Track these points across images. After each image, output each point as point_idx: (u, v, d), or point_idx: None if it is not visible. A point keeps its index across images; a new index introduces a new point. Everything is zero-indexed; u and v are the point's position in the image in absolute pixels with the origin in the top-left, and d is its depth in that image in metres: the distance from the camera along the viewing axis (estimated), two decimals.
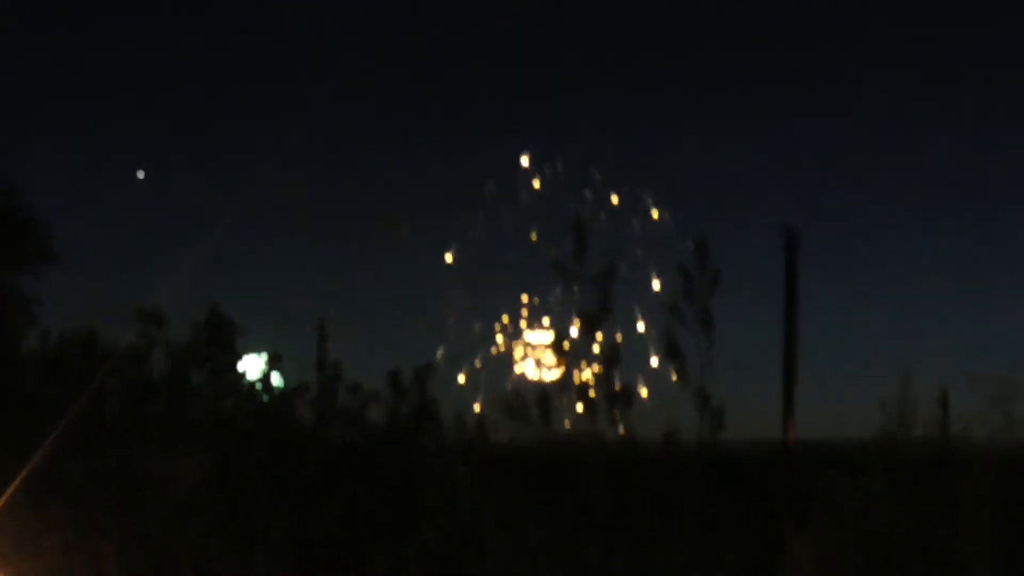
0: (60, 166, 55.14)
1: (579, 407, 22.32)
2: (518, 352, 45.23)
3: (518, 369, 46.08)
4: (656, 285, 21.94)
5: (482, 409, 25.95)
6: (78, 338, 26.55)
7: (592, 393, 22.08)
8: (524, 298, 51.77)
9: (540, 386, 22.58)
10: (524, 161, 54.31)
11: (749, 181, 57.34)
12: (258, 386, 29.04)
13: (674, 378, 21.74)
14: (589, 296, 22.54)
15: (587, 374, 22.44)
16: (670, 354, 21.67)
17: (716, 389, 21.93)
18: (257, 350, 28.92)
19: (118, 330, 27.11)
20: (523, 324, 51.67)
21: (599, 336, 22.34)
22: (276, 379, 29.01)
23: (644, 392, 22.09)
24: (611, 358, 22.04)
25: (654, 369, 22.08)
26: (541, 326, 48.73)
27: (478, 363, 52.01)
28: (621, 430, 22.03)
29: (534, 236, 54.79)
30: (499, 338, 53.57)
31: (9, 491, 21.78)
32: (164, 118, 57.11)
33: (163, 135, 58.02)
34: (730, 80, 58.36)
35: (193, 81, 57.81)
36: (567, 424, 22.57)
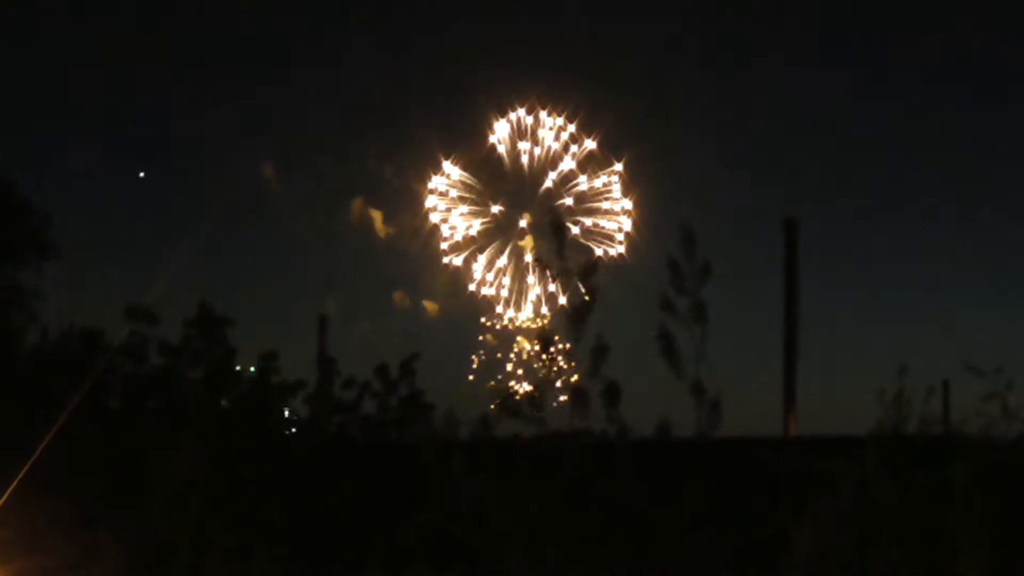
0: (59, 163, 56.87)
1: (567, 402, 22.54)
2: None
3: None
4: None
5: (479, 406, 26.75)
6: (77, 334, 27.43)
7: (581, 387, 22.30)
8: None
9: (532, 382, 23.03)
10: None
11: (749, 173, 58.69)
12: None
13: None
14: (574, 289, 22.75)
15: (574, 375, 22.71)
16: (664, 348, 21.78)
17: (712, 382, 21.93)
18: (248, 344, 29.93)
19: (114, 326, 28.13)
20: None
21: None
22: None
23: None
24: (599, 351, 22.32)
25: (647, 362, 22.45)
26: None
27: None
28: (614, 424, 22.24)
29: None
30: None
31: (10, 488, 22.89)
32: (157, 115, 58.78)
33: (156, 132, 59.58)
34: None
35: (188, 82, 59.46)
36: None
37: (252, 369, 29.82)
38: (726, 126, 59.24)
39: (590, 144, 53.92)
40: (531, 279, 53.97)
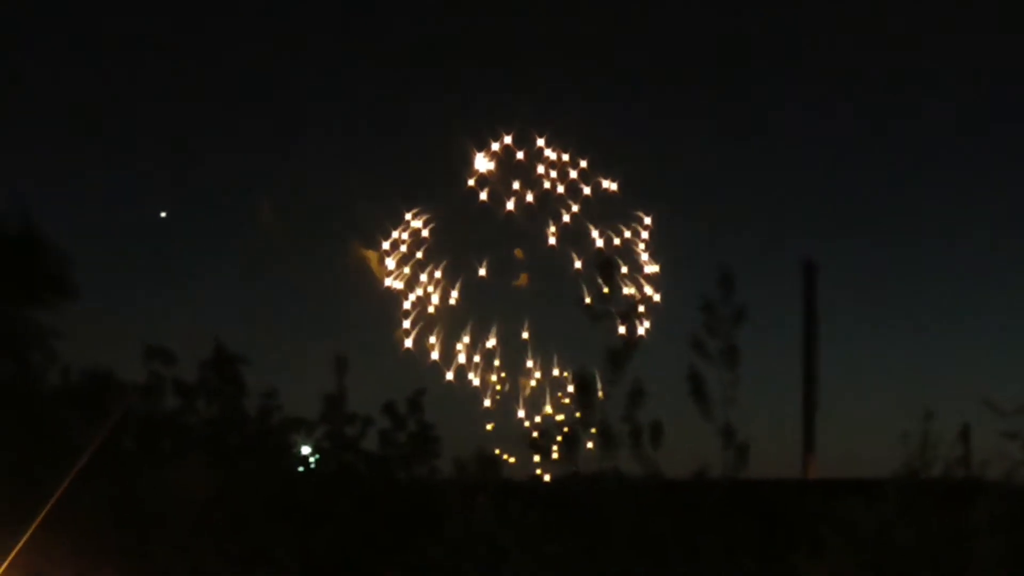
0: (79, 202, 58.45)
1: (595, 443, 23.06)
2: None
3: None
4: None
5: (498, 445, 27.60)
6: (98, 375, 28.49)
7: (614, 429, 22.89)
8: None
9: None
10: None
11: (768, 212, 59.60)
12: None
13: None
14: (613, 332, 23.24)
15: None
16: (694, 391, 22.42)
17: (741, 426, 22.58)
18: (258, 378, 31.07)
19: (132, 366, 29.31)
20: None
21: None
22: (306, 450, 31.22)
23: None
24: (635, 394, 22.92)
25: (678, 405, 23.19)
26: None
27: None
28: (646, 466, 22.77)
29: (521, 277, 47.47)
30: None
31: (29, 531, 23.97)
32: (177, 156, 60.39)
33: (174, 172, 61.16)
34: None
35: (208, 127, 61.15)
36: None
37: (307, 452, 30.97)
38: (741, 164, 60.10)
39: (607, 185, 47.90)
40: (530, 363, 47.95)
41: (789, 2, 62.37)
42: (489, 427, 48.26)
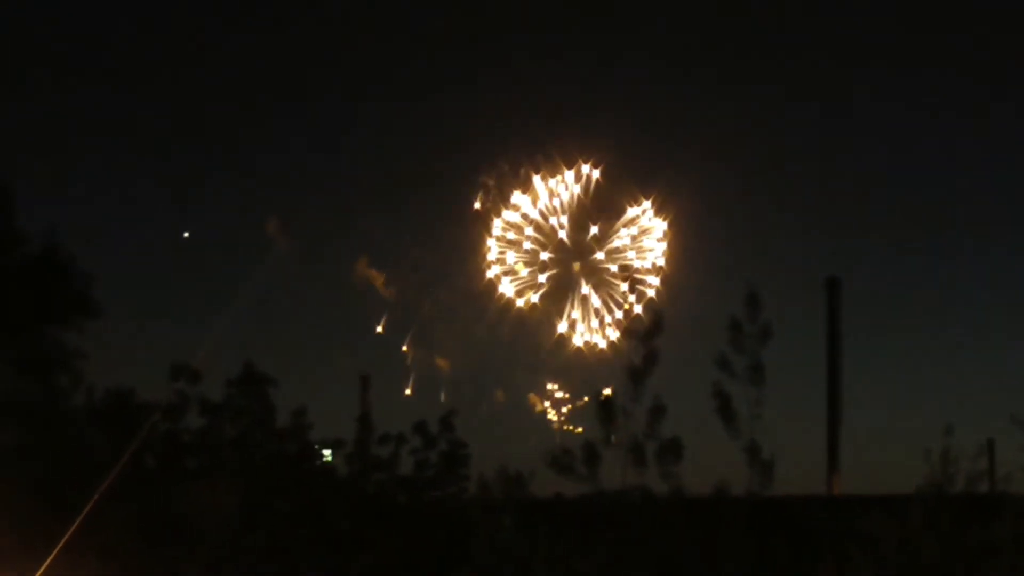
0: (104, 223, 58.97)
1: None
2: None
3: None
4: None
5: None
6: (122, 393, 29.01)
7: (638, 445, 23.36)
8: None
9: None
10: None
11: (791, 230, 59.67)
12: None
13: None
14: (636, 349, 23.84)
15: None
16: (721, 408, 22.96)
17: (766, 442, 23.08)
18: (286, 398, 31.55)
19: (157, 385, 29.84)
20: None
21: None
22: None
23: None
24: (656, 410, 23.47)
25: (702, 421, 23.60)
26: None
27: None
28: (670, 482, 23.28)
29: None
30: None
31: (56, 550, 24.44)
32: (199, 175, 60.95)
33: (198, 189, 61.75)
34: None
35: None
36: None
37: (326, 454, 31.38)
38: (762, 179, 60.15)
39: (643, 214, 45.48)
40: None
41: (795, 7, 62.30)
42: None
